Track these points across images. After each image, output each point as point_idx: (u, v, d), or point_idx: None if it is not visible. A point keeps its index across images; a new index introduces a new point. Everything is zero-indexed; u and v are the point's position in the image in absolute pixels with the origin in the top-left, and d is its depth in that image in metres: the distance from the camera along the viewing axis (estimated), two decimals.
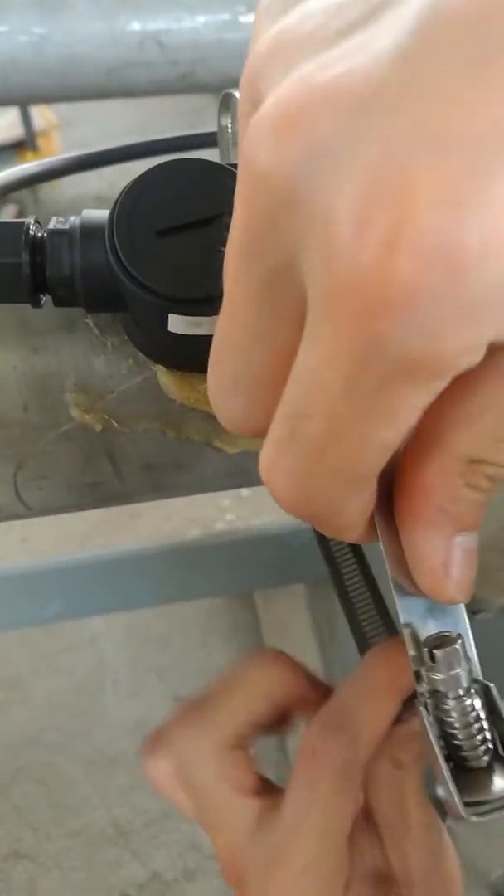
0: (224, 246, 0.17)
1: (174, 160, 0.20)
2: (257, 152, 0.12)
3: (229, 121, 0.25)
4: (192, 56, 0.58)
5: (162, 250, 0.19)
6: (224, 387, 0.15)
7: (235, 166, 0.20)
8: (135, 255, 0.19)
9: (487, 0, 0.10)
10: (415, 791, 0.24)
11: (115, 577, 0.81)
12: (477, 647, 0.19)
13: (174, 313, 0.19)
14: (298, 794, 0.24)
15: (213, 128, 0.28)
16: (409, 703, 0.24)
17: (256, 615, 1.07)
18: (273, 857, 0.24)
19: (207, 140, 0.32)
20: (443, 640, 0.19)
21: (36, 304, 0.21)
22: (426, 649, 0.19)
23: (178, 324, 0.20)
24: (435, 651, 0.19)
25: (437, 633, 0.19)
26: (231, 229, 0.13)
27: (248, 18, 0.57)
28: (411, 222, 0.10)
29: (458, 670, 0.19)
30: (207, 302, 0.19)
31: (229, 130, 0.25)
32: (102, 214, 0.20)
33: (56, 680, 1.04)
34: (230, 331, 0.14)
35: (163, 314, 0.19)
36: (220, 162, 0.21)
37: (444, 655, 0.19)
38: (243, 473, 0.25)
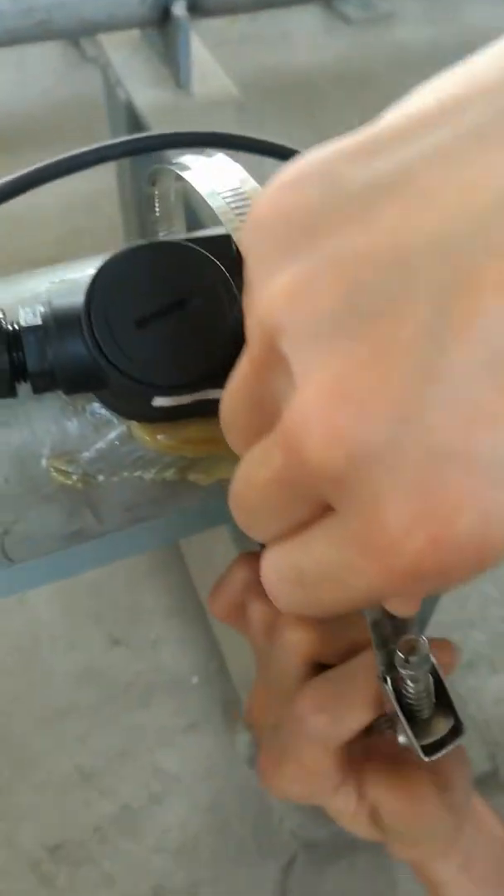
0: (199, 329, 0.19)
1: (138, 247, 0.20)
2: (304, 441, 0.13)
3: (156, 192, 0.25)
4: (49, 3, 0.53)
5: (141, 339, 0.19)
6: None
7: (196, 241, 0.20)
8: (116, 348, 0.19)
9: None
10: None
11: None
12: None
13: (159, 396, 0.20)
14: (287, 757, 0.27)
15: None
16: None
17: (180, 551, 1.10)
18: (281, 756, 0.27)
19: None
20: (412, 646, 0.23)
21: (13, 395, 0.21)
22: (399, 654, 0.24)
23: (163, 402, 0.21)
24: (410, 658, 0.23)
25: (406, 638, 0.23)
26: (261, 465, 0.15)
27: None
28: (449, 536, 0.13)
29: (425, 667, 0.23)
30: (191, 384, 0.20)
31: (156, 202, 0.25)
32: (74, 304, 0.20)
33: None
34: (261, 504, 0.16)
35: (147, 397, 0.20)
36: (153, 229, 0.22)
37: (418, 660, 0.23)
38: (216, 509, 0.27)
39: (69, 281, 0.25)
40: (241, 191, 0.21)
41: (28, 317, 0.20)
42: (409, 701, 0.25)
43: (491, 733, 1.01)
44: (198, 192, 0.22)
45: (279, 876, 0.92)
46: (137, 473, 0.25)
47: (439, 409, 0.12)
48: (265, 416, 0.15)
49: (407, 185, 0.13)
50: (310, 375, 0.13)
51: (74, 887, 0.89)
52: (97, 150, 0.30)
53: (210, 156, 0.26)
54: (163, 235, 0.29)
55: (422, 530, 0.13)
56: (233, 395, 0.16)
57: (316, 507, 0.15)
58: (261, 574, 0.17)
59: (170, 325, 0.20)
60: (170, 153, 0.28)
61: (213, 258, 0.20)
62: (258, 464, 0.15)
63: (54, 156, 0.26)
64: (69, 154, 0.28)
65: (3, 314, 0.20)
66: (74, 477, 0.24)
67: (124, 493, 0.26)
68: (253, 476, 0.15)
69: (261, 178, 0.20)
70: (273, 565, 0.16)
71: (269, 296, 0.14)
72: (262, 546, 0.18)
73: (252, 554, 0.30)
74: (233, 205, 0.21)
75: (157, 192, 0.27)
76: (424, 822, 0.28)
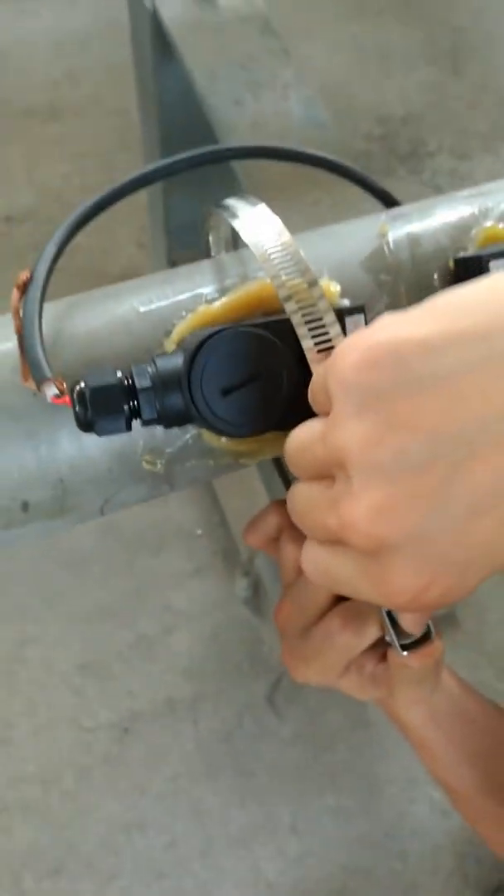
0: (264, 398, 0.27)
1: (225, 331, 0.27)
2: (353, 525, 0.22)
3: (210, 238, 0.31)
4: None
5: (225, 403, 0.27)
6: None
7: (267, 328, 0.27)
8: (207, 409, 0.27)
9: None
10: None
11: None
12: None
13: (231, 438, 0.28)
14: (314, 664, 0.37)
15: None
16: None
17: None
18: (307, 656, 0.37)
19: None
20: None
21: (129, 430, 0.28)
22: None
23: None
24: None
25: None
26: (319, 508, 0.24)
27: None
28: (425, 599, 0.22)
29: None
30: (254, 434, 0.28)
31: (209, 237, 0.31)
32: (174, 367, 0.27)
33: None
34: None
35: (225, 436, 0.28)
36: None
37: None
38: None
39: (156, 313, 0.32)
40: (278, 243, 0.29)
41: (142, 381, 0.27)
42: (395, 616, 0.35)
43: None
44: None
45: (268, 691, 1.10)
46: (204, 461, 0.33)
47: (436, 533, 0.20)
48: (321, 468, 0.24)
49: (450, 386, 0.20)
50: (364, 493, 0.21)
51: (101, 698, 1.08)
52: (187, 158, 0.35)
53: (254, 204, 0.32)
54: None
55: (410, 592, 0.21)
56: (303, 448, 0.24)
57: None
58: (301, 559, 0.26)
59: (244, 393, 0.27)
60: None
61: (277, 342, 0.27)
62: (318, 499, 0.24)
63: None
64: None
65: (127, 378, 0.27)
66: (159, 465, 0.33)
67: (194, 473, 0.34)
68: (314, 507, 0.24)
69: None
70: (310, 558, 0.25)
71: (347, 435, 0.21)
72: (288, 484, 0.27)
73: (283, 501, 0.38)
74: (273, 257, 0.28)
75: (210, 231, 0.33)
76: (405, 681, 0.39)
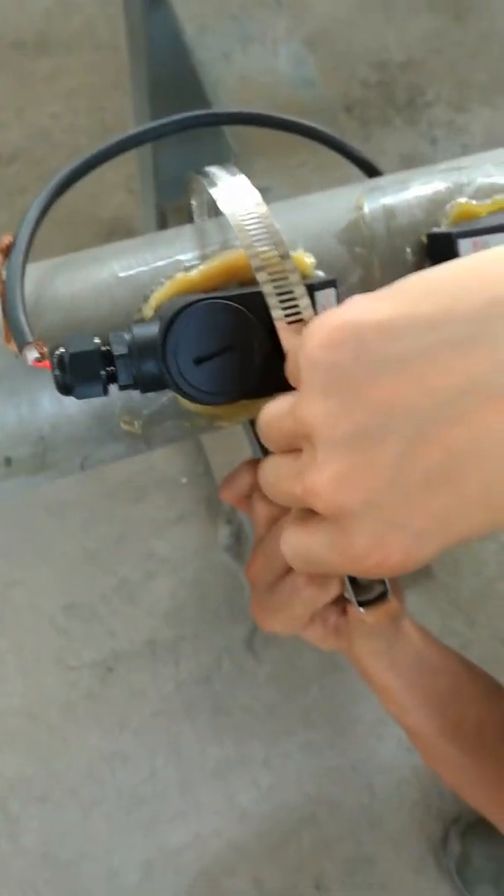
0: (236, 368, 0.28)
1: (199, 303, 0.28)
2: (317, 493, 0.24)
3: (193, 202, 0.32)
4: None
5: (199, 371, 0.28)
6: None
7: (241, 300, 0.28)
8: (181, 377, 0.28)
9: None
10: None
11: None
12: None
13: (206, 404, 0.30)
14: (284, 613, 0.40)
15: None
16: None
17: None
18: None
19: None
20: None
21: (106, 394, 0.30)
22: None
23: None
24: None
25: None
26: (287, 476, 0.26)
27: None
28: (387, 562, 0.23)
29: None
30: (228, 400, 0.29)
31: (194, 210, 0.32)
32: (150, 335, 0.28)
33: None
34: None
35: (199, 403, 0.30)
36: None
37: None
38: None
39: (136, 278, 0.33)
40: (254, 214, 0.30)
41: (119, 348, 0.28)
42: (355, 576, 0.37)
43: None
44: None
45: (246, 635, 1.14)
46: (180, 422, 0.35)
47: (392, 501, 0.22)
48: (290, 440, 0.26)
49: (404, 368, 0.22)
50: (327, 463, 0.23)
51: (85, 638, 1.12)
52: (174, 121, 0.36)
53: (234, 174, 0.33)
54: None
55: (372, 557, 0.23)
56: (272, 422, 0.26)
57: None
58: (280, 546, 0.28)
59: (217, 363, 0.28)
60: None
61: (249, 314, 0.28)
62: (286, 472, 0.26)
63: None
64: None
65: (103, 344, 0.29)
66: (136, 425, 0.34)
67: (170, 433, 0.36)
68: (281, 478, 0.26)
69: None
70: (288, 541, 0.27)
71: (313, 410, 0.23)
72: (265, 452, 0.28)
73: (256, 461, 0.40)
74: (248, 228, 0.29)
75: (193, 196, 0.34)
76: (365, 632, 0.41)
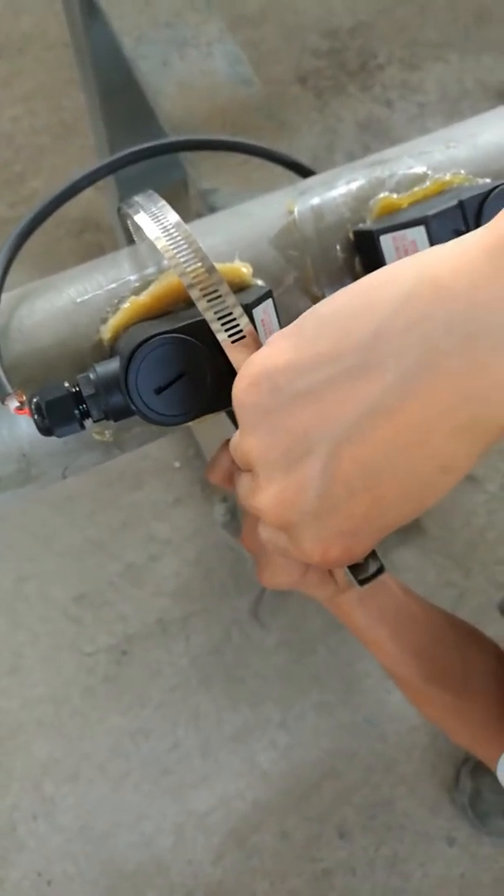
0: (191, 391, 0.32)
1: (154, 338, 0.31)
2: (264, 514, 0.28)
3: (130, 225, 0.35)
4: None
5: (159, 400, 0.32)
6: None
7: (187, 331, 0.32)
8: (145, 406, 0.32)
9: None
10: None
11: None
12: None
13: (167, 426, 0.34)
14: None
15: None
16: None
17: None
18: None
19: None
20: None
21: (83, 429, 0.33)
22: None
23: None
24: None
25: None
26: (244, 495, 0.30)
27: None
28: (330, 559, 0.27)
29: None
30: (185, 420, 0.33)
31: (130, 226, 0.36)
32: (111, 371, 0.32)
33: None
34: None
35: (162, 425, 0.34)
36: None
37: None
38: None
39: (91, 302, 0.37)
40: (176, 235, 0.33)
41: (87, 389, 0.32)
42: None
43: None
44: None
45: (251, 605, 1.19)
46: (147, 427, 0.39)
47: (323, 510, 0.26)
48: (244, 466, 0.30)
49: (314, 398, 0.26)
50: (266, 487, 0.27)
51: (98, 624, 1.16)
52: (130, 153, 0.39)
53: (156, 202, 0.36)
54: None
55: (317, 555, 0.28)
56: (232, 452, 0.30)
57: None
58: (259, 536, 0.32)
59: (175, 389, 0.32)
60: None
61: (196, 341, 0.32)
62: (245, 491, 0.30)
63: None
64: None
65: (73, 386, 0.32)
66: (108, 435, 0.38)
67: (140, 438, 0.40)
68: (244, 496, 0.30)
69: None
70: (262, 535, 0.31)
71: (248, 444, 0.27)
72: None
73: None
74: (173, 249, 0.32)
75: (128, 221, 0.37)
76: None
